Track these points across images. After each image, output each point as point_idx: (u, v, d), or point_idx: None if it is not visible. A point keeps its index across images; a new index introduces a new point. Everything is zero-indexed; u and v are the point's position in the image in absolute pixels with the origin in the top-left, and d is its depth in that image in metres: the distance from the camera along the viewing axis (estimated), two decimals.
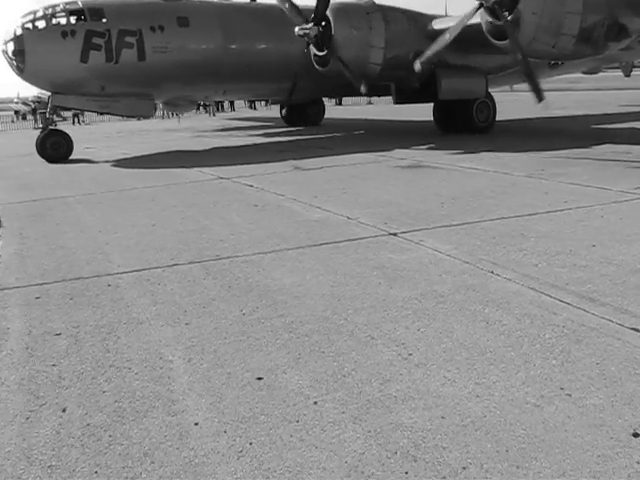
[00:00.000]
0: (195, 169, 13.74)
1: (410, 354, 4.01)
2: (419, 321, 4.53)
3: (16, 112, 57.65)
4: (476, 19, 14.26)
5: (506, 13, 13.54)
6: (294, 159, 14.35)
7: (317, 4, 17.27)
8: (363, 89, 17.29)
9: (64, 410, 3.54)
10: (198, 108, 48.62)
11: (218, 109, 48.23)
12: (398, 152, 14.63)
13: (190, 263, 6.38)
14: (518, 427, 3.12)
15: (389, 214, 8.01)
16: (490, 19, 13.93)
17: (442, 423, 3.19)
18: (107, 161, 16.80)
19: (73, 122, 43.09)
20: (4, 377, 4.01)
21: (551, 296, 4.85)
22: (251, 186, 10.95)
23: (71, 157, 17.62)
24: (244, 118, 36.80)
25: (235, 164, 14.15)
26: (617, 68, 30.34)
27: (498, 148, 13.98)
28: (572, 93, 39.77)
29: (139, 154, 18.35)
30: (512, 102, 29.60)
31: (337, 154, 14.93)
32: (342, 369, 3.86)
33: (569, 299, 4.77)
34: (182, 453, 3.06)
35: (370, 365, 3.88)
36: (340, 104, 46.03)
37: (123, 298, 5.42)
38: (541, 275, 5.35)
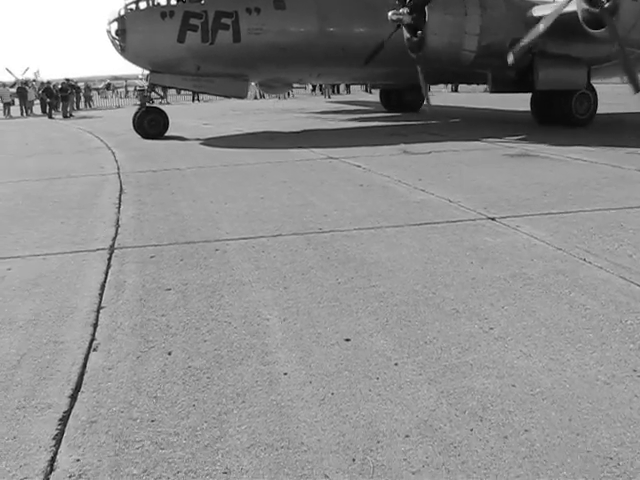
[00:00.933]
0: (306, 148, 14.13)
1: (491, 328, 4.21)
2: (504, 299, 4.71)
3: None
4: (574, 6, 13.75)
5: (604, 0, 13.08)
6: (403, 143, 14.52)
7: None
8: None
9: (169, 353, 3.96)
10: (314, 89, 49.28)
11: (334, 91, 48.67)
12: (506, 140, 14.58)
13: (293, 234, 6.74)
14: (584, 400, 3.29)
15: (490, 200, 8.12)
16: (586, 6, 13.43)
17: (511, 390, 3.40)
18: (222, 137, 17.47)
19: (193, 99, 44.55)
20: (119, 322, 4.48)
21: None
22: (359, 167, 11.23)
23: (187, 133, 18.32)
24: (349, 102, 36.99)
25: (345, 146, 14.46)
26: None
27: (608, 142, 13.66)
28: None
29: (252, 131, 18.95)
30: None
31: (446, 140, 15.00)
32: (425, 337, 4.11)
33: None
34: (270, 397, 3.40)
35: (452, 335, 4.12)
36: (456, 91, 45.54)
37: (229, 262, 5.84)
38: (634, 265, 5.39)
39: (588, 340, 4.00)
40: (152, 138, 17.60)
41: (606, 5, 13.04)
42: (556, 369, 3.63)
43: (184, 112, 30.68)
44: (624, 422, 3.09)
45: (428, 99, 18.69)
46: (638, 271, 5.24)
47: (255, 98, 41.53)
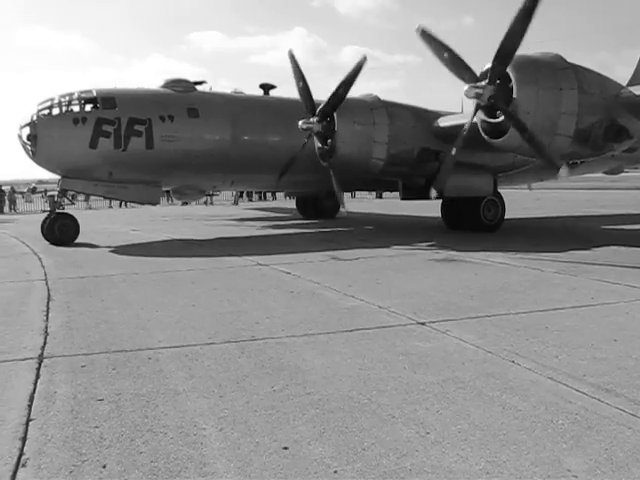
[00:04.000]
0: (235, 255, 14.21)
1: (428, 432, 4.25)
2: (439, 404, 4.78)
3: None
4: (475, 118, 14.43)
5: (500, 112, 13.76)
6: (331, 250, 14.76)
7: (328, 100, 17.56)
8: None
9: (104, 466, 3.85)
10: (241, 195, 50.01)
11: (260, 198, 49.72)
12: (430, 246, 15.02)
13: (226, 342, 6.72)
14: None
15: (419, 305, 8.30)
16: (485, 118, 14.17)
17: None
18: (151, 243, 17.43)
19: (120, 205, 44.45)
20: (50, 435, 4.34)
21: (568, 385, 5.07)
22: (288, 273, 11.33)
23: (115, 239, 18.18)
24: (269, 208, 37.63)
25: (274, 252, 14.57)
26: None
27: (523, 246, 14.23)
28: (610, 192, 40.02)
29: (182, 237, 18.97)
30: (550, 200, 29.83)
31: (373, 246, 15.33)
32: (362, 443, 4.12)
33: (585, 389, 4.98)
34: None
35: (389, 441, 4.14)
36: (381, 197, 46.68)
37: (162, 370, 5.76)
38: (560, 366, 5.57)
39: (522, 441, 4.08)
40: (62, 245, 17.25)
41: (502, 117, 13.76)
42: (493, 471, 3.68)
43: (112, 217, 30.59)
44: None
45: (343, 202, 18.67)
46: (564, 372, 5.41)
47: (185, 204, 41.80)
